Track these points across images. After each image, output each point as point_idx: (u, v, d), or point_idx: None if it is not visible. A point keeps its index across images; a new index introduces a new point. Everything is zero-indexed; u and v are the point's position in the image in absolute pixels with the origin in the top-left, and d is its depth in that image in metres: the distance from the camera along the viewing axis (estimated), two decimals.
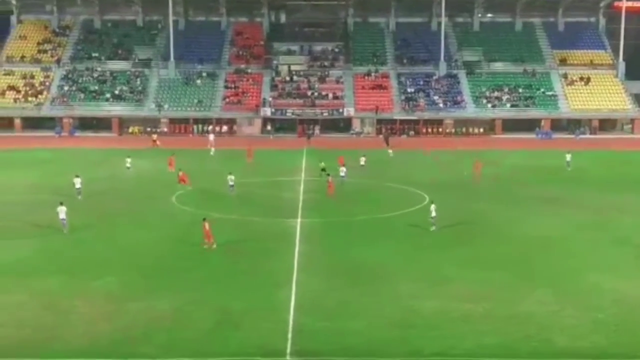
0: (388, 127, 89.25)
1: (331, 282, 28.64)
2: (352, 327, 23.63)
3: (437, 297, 26.70)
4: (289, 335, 22.67)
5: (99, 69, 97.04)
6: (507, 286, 28.23)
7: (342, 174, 52.47)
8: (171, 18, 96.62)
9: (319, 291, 27.43)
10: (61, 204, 36.77)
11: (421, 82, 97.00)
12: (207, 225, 33.62)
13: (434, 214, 37.58)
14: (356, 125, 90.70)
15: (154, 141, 74.31)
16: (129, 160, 58.17)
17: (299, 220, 39.99)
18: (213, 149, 70.35)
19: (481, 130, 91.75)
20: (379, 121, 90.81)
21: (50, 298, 26.27)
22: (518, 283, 28.66)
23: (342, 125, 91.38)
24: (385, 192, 50.02)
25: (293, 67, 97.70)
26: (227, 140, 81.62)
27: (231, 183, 48.32)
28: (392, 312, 25.14)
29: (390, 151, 69.38)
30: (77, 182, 45.96)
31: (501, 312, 25.20)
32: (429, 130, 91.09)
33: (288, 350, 21.61)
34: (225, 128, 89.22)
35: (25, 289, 27.24)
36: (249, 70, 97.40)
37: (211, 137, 77.80)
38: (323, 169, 54.34)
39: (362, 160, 60.70)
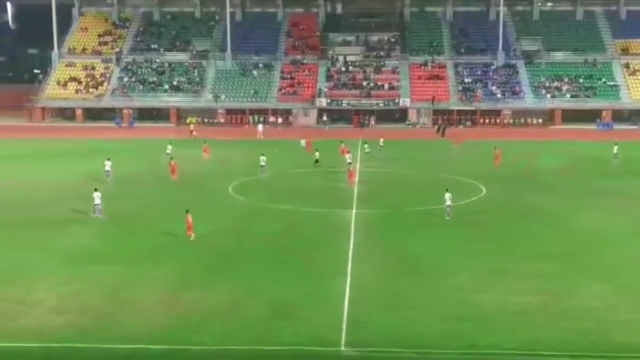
0: (445, 118, 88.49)
1: (386, 273, 28.63)
2: (406, 318, 23.62)
3: (492, 290, 26.49)
4: (343, 326, 22.76)
5: (157, 60, 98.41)
6: (563, 279, 27.84)
7: (348, 160, 53.33)
8: (228, 10, 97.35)
9: (374, 282, 27.46)
10: (96, 190, 38.34)
11: (479, 72, 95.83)
12: (189, 218, 33.74)
13: (448, 202, 37.49)
14: (412, 115, 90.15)
15: (192, 132, 75.30)
16: (169, 147, 59.87)
17: (353, 211, 40.02)
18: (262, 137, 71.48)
19: (540, 121, 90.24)
20: (435, 112, 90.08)
21: (110, 286, 26.87)
22: (575, 276, 28.24)
23: (398, 116, 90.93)
24: (440, 183, 49.60)
25: (349, 58, 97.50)
26: (278, 130, 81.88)
27: (262, 164, 50.45)
28: (447, 304, 25.04)
29: (455, 145, 68.20)
30: (107, 165, 48.78)
31: (558, 305, 24.88)
32: (487, 121, 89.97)
33: (342, 341, 21.71)
34: (279, 119, 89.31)
35: (87, 277, 27.90)
36: (305, 61, 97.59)
37: (260, 127, 78.51)
38: (316, 160, 55.01)
39: (381, 141, 64.49)
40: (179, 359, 21.10)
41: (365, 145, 60.89)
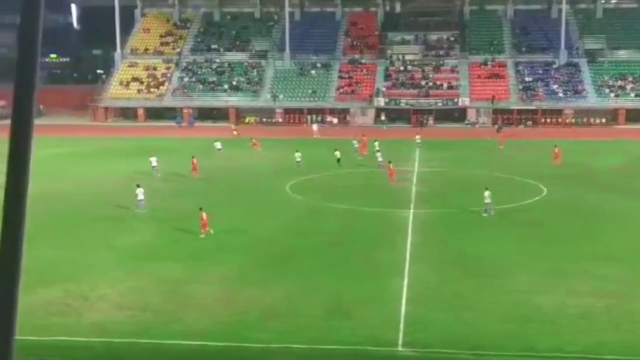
0: (505, 117, 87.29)
1: (444, 273, 28.38)
2: (465, 319, 23.36)
3: (554, 292, 26.01)
4: (401, 326, 22.64)
5: (217, 60, 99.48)
6: (628, 281, 27.17)
7: (380, 159, 53.27)
8: (287, 10, 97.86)
9: (432, 282, 27.25)
10: (138, 186, 39.58)
11: (540, 71, 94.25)
12: (204, 215, 34.12)
13: (487, 200, 37.62)
14: (471, 115, 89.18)
15: (234, 131, 75.98)
16: (218, 144, 61.52)
17: (411, 210, 39.79)
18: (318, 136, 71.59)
19: (603, 120, 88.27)
20: (495, 111, 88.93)
21: (171, 283, 27.26)
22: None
23: (457, 115, 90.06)
24: (499, 183, 48.96)
25: (407, 57, 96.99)
26: (335, 130, 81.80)
27: (298, 159, 52.12)
28: (507, 305, 24.68)
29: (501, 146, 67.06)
30: (153, 161, 50.72)
31: (622, 308, 24.29)
32: (548, 120, 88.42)
33: (400, 341, 21.59)
34: (335, 119, 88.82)
35: (148, 274, 28.37)
36: (363, 61, 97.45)
37: (315, 127, 78.68)
38: (338, 160, 54.84)
39: (418, 139, 64.88)
40: (238, 357, 21.28)
41: (376, 143, 59.87)
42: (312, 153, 54.94)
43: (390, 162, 49.47)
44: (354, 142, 60.71)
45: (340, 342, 21.60)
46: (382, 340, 21.72)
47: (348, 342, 21.59)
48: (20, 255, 2.48)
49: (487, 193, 38.18)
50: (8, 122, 2.54)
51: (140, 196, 39.17)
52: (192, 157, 51.89)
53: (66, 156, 60.57)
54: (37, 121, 2.59)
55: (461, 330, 22.45)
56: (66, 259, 30.08)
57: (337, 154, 55.29)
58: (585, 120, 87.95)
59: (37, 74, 2.53)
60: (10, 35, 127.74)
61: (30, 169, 2.49)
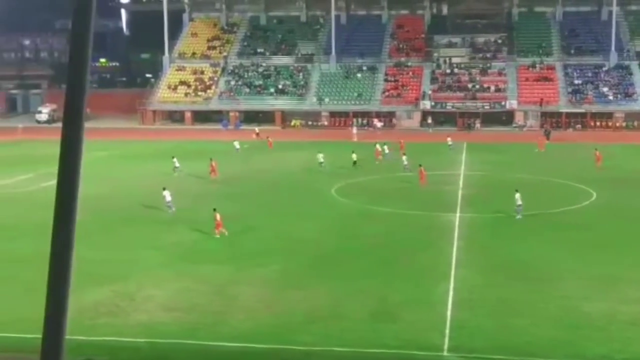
0: (553, 121, 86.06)
1: (491, 278, 28.07)
2: (513, 325, 23.08)
3: (604, 298, 25.53)
4: (447, 331, 22.45)
5: (263, 64, 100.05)
6: None
7: (404, 163, 53.00)
8: (333, 13, 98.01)
9: (479, 287, 26.98)
10: (164, 188, 40.38)
11: (589, 74, 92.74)
12: (218, 216, 34.62)
13: (519, 202, 37.82)
14: (519, 118, 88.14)
15: (257, 134, 76.22)
16: (236, 143, 64.21)
17: (457, 214, 39.47)
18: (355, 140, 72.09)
19: None
20: (543, 114, 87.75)
21: (217, 284, 27.46)
22: None
23: (505, 118, 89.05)
24: (547, 187, 48.35)
25: (454, 60, 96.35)
26: (378, 134, 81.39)
27: (321, 160, 53.27)
28: (555, 311, 24.31)
29: (540, 149, 65.89)
30: (176, 162, 52.83)
31: None
32: (597, 123, 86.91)
33: (445, 346, 21.41)
34: (378, 123, 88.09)
35: (193, 275, 28.61)
36: (409, 64, 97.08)
37: (354, 130, 78.63)
38: (354, 162, 54.83)
39: (450, 141, 65.76)
40: (282, 359, 21.32)
41: (385, 147, 59.69)
42: (358, 156, 54.83)
43: (420, 165, 49.11)
44: (377, 145, 60.31)
45: (384, 345, 21.51)
46: (427, 344, 21.57)
47: (393, 345, 21.48)
48: (71, 255, 2.52)
49: (517, 195, 38.43)
50: (59, 125, 2.59)
51: (168, 198, 40.12)
52: (211, 159, 52.37)
53: (113, 158, 61.46)
54: (86, 124, 2.64)
55: (508, 336, 22.18)
56: (114, 260, 30.50)
57: (354, 156, 55.49)
58: (636, 123, 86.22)
59: (87, 78, 2.58)
60: (62, 40, 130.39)
61: (80, 171, 2.54)
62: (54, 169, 2.61)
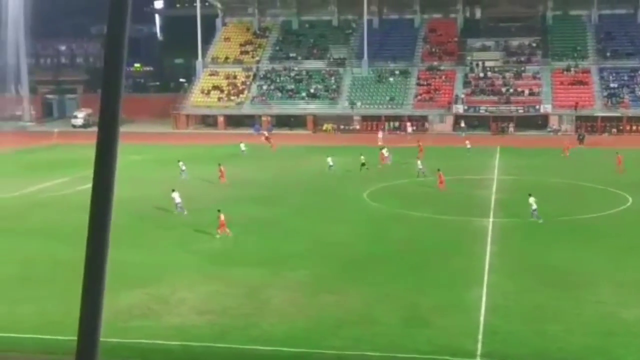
0: (588, 125, 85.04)
1: (525, 283, 27.80)
2: (546, 331, 22.82)
3: None
4: (480, 337, 22.28)
5: (295, 68, 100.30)
6: None
7: (419, 167, 52.51)
8: (366, 17, 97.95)
9: (512, 292, 26.74)
10: (173, 190, 41.31)
11: (625, 77, 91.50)
12: (222, 217, 35.55)
13: (534, 206, 37.99)
14: (553, 122, 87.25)
15: (267, 138, 75.94)
16: (242, 145, 65.89)
17: (491, 219, 39.17)
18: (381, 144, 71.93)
19: None
20: (578, 118, 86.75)
21: (249, 288, 27.55)
22: None
23: (540, 122, 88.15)
24: (582, 192, 47.78)
25: (487, 63, 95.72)
26: (397, 137, 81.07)
27: (331, 164, 53.55)
28: (591, 317, 24.01)
29: (565, 153, 64.96)
30: (182, 165, 53.13)
31: None
32: (634, 128, 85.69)
33: (478, 352, 21.24)
34: (409, 128, 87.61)
35: (226, 278, 28.73)
36: (442, 67, 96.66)
37: (380, 134, 78.46)
38: (363, 164, 54.82)
39: (468, 144, 66.75)
40: None
41: (384, 151, 59.66)
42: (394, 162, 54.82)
43: (439, 169, 48.82)
44: (383, 151, 60.16)
45: (416, 350, 21.40)
46: (460, 350, 21.42)
47: (425, 351, 21.37)
48: (105, 258, 2.55)
49: (532, 199, 38.62)
50: (95, 129, 2.62)
51: (177, 200, 40.87)
52: (219, 164, 52.54)
53: (147, 162, 61.98)
54: (120, 128, 2.66)
55: (541, 343, 21.94)
56: (147, 263, 30.75)
57: (362, 158, 55.63)
58: None
59: (122, 83, 2.60)
60: (97, 45, 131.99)
61: (115, 175, 2.56)
62: (89, 172, 2.64)
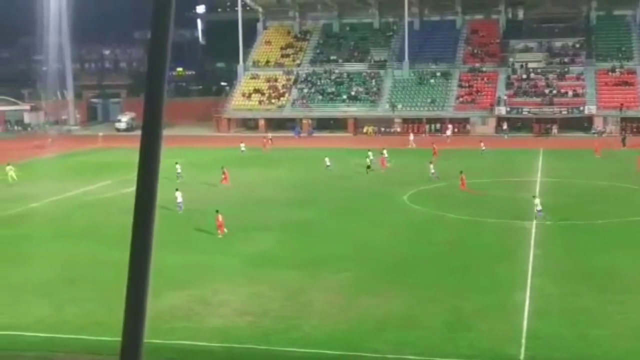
0: (634, 126, 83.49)
1: (569, 287, 27.39)
2: (591, 335, 22.47)
3: None
4: (523, 341, 22.01)
5: (336, 71, 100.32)
6: None
7: (432, 171, 52.09)
8: (407, 19, 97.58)
9: (556, 296, 26.38)
10: (177, 189, 43.13)
11: None
12: (220, 217, 36.81)
13: (539, 207, 38.50)
14: (598, 124, 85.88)
15: (270, 139, 76.60)
16: (242, 145, 67.98)
17: (534, 222, 38.67)
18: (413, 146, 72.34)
19: None
20: (623, 119, 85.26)
21: (290, 290, 27.61)
22: None
23: (586, 125, 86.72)
24: (630, 195, 46.89)
25: (530, 65, 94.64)
26: (426, 139, 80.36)
27: (328, 164, 55.45)
28: (636, 322, 23.57)
29: (597, 155, 63.77)
30: (178, 168, 53.88)
31: None
32: None
33: (521, 356, 20.99)
34: (448, 131, 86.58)
35: (267, 280, 28.84)
36: (484, 69, 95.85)
37: (411, 136, 78.11)
38: (368, 166, 54.96)
39: (482, 146, 66.64)
40: None
41: (370, 153, 58.64)
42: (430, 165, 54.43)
43: (462, 171, 48.44)
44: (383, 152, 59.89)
45: (459, 355, 21.23)
46: (503, 354, 21.20)
47: (467, 355, 21.19)
48: (149, 260, 2.57)
49: (537, 200, 39.20)
50: (138, 133, 2.65)
51: (179, 199, 42.37)
52: (222, 167, 52.90)
53: (189, 165, 62.26)
54: (163, 132, 2.69)
55: (586, 347, 21.61)
56: (187, 265, 31.02)
57: (368, 161, 55.84)
58: None
59: (165, 87, 2.63)
60: (140, 50, 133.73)
61: (158, 178, 2.59)
62: (132, 175, 2.68)
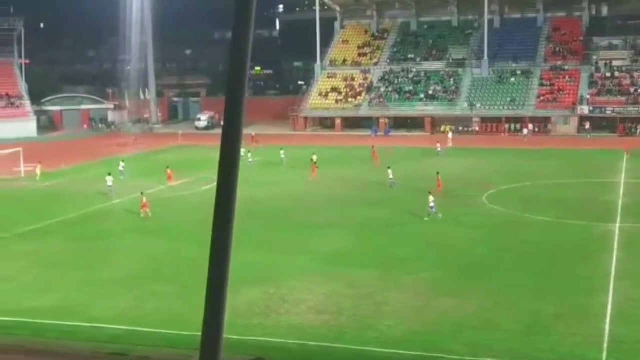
0: None
1: None
2: None
3: None
4: (605, 345, 21.43)
5: (414, 69, 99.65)
6: None
7: (390, 177, 49.95)
8: (486, 17, 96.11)
9: None
10: (109, 174, 48.26)
11: None
12: (144, 199, 41.08)
13: (432, 204, 39.02)
14: None
15: (253, 138, 73.28)
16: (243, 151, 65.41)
17: (617, 224, 37.56)
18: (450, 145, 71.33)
19: None
20: None
21: (365, 289, 27.59)
22: None
23: None
24: None
25: (614, 63, 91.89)
26: (521, 140, 78.80)
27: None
28: None
29: (627, 154, 61.28)
30: (121, 166, 55.77)
31: None
32: None
33: None
34: (525, 131, 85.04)
35: (343, 279, 28.87)
36: (566, 67, 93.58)
37: (450, 135, 77.22)
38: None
39: (439, 146, 65.73)
40: None
41: (282, 152, 60.22)
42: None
43: (438, 172, 47.81)
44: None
45: (538, 358, 20.82)
46: (584, 359, 20.67)
47: (547, 358, 20.76)
48: (229, 256, 2.61)
49: (430, 198, 39.64)
50: (217, 131, 2.68)
51: (109, 183, 47.30)
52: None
53: (265, 164, 62.86)
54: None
55: None
56: (264, 262, 31.32)
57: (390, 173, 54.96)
58: None
59: (246, 87, 2.66)
60: (219, 50, 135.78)
61: (238, 175, 2.62)
62: (211, 173, 2.73)
